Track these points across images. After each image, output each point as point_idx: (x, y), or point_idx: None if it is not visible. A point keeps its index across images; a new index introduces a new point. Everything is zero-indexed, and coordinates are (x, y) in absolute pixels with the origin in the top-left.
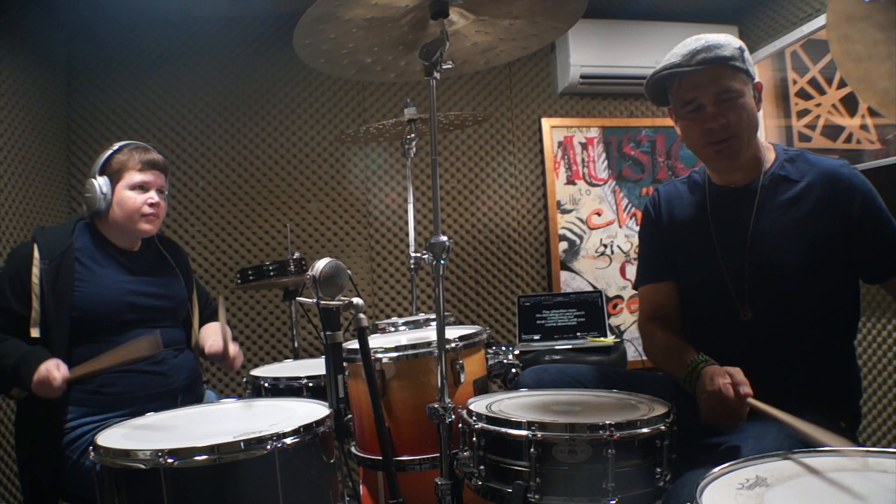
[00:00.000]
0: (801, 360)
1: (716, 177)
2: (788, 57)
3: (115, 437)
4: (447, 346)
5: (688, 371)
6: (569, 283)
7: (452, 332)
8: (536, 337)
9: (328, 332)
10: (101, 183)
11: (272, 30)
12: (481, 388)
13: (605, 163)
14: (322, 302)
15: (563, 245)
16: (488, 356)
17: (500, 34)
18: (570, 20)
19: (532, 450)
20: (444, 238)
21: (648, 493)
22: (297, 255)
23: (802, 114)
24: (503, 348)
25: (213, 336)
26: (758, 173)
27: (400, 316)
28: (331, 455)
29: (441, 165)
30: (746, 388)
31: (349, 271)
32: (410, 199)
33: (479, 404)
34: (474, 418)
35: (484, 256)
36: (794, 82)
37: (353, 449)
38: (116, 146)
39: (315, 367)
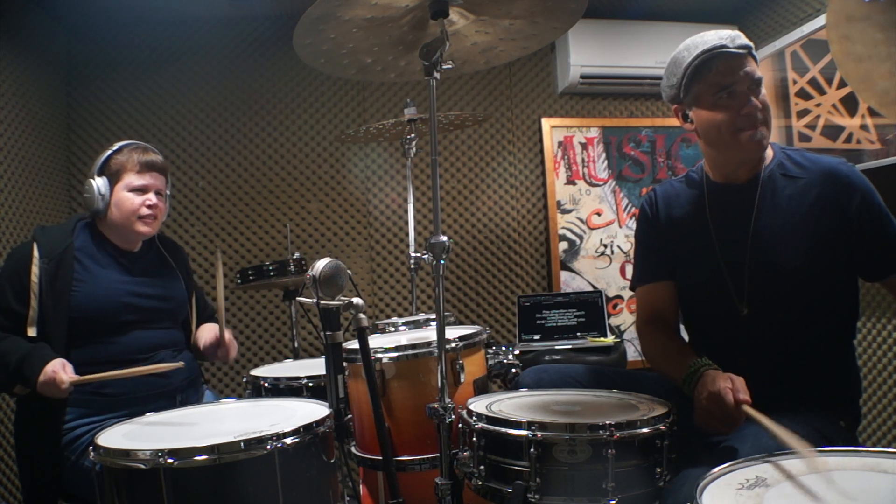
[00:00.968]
0: (799, 358)
1: (716, 174)
2: (788, 57)
3: (114, 437)
4: (447, 346)
5: (689, 373)
6: (569, 283)
7: (452, 332)
8: (536, 337)
9: (328, 332)
10: (99, 184)
11: (272, 30)
12: (481, 388)
13: (605, 163)
14: (322, 302)
15: (563, 245)
16: (488, 356)
17: (500, 34)
18: (570, 20)
19: (532, 450)
20: (444, 238)
21: (648, 493)
22: (297, 255)
23: (802, 114)
24: (503, 348)
25: (208, 333)
26: (758, 170)
27: (400, 316)
28: (331, 455)
29: (441, 165)
30: (745, 396)
31: (349, 271)
32: (410, 199)
33: (478, 404)
34: (474, 418)
35: (484, 256)
36: (794, 82)
37: (353, 449)
38: (116, 146)
39: (315, 367)
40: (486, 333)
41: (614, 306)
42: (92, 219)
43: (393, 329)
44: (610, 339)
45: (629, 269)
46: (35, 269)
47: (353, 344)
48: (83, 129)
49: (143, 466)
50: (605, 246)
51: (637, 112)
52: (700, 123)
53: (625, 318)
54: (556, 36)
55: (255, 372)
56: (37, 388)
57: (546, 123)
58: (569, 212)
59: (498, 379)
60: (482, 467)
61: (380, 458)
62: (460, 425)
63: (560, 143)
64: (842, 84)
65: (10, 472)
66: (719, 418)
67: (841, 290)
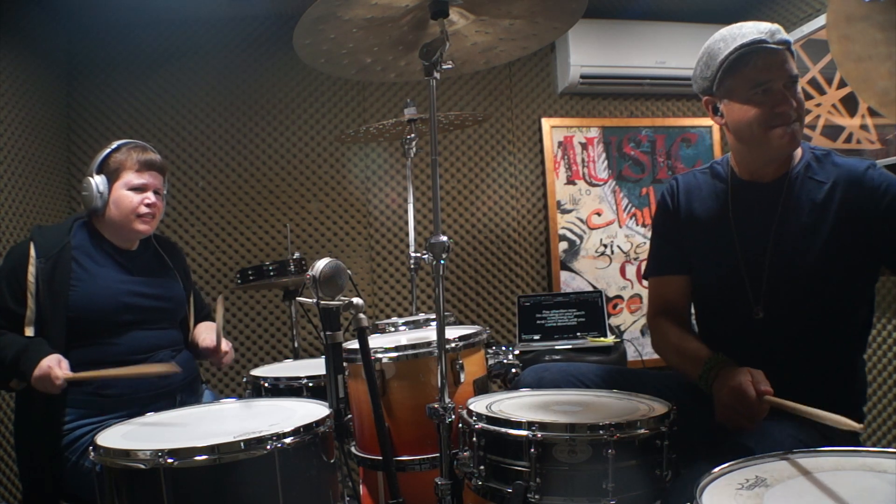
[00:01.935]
0: (809, 365)
1: (742, 170)
2: None
3: (114, 437)
4: (447, 346)
5: (705, 369)
6: (569, 283)
7: (452, 332)
8: (536, 337)
9: (328, 332)
10: (97, 181)
11: (272, 30)
12: (481, 388)
13: (605, 163)
14: (322, 302)
15: (563, 245)
16: (488, 356)
17: (500, 34)
18: (570, 20)
19: (532, 450)
20: (444, 238)
21: (648, 494)
22: (297, 255)
23: None
24: (503, 348)
25: (206, 332)
26: (786, 170)
27: (400, 316)
28: (331, 455)
29: (441, 165)
30: (766, 387)
31: (349, 271)
32: (410, 199)
33: (479, 404)
34: (474, 418)
35: (484, 256)
36: None
37: (353, 449)
38: (115, 144)
39: (315, 367)
40: (486, 333)
41: (614, 306)
42: (89, 218)
43: (393, 329)
44: (610, 339)
45: (629, 269)
46: (32, 269)
47: (353, 344)
48: (83, 129)
49: (143, 466)
50: (605, 246)
51: (637, 112)
52: (731, 117)
53: (625, 318)
54: (556, 36)
55: (255, 372)
56: (31, 382)
57: (546, 123)
58: (569, 212)
59: (498, 379)
60: (482, 467)
61: (380, 458)
62: (460, 425)
63: (560, 143)
64: (842, 84)
65: (10, 472)
66: (742, 413)
67: (857, 299)
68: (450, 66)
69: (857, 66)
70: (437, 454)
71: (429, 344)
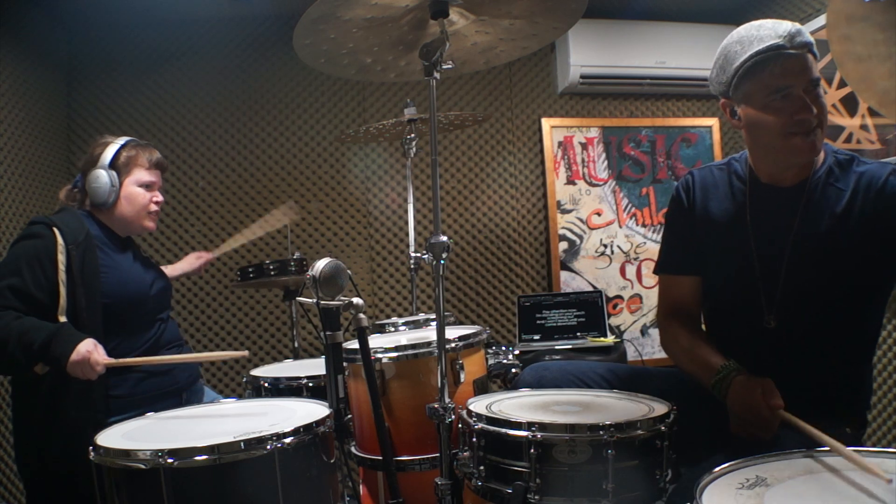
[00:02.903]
0: (819, 371)
1: (761, 172)
2: None
3: (115, 437)
4: (447, 346)
5: (717, 378)
6: (569, 283)
7: (452, 332)
8: (536, 337)
9: (328, 332)
10: (111, 176)
11: (272, 30)
12: (481, 388)
13: (605, 163)
14: (322, 302)
15: (563, 245)
16: (488, 356)
17: (500, 34)
18: (570, 20)
19: (532, 450)
20: (444, 238)
21: (648, 494)
22: (297, 254)
23: None
24: (503, 348)
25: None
26: (807, 175)
27: (400, 316)
28: (331, 455)
29: (441, 165)
30: (778, 401)
31: (349, 271)
32: (410, 199)
33: (478, 404)
34: (474, 419)
35: (484, 256)
36: None
37: (353, 449)
38: (123, 141)
39: (315, 367)
40: (486, 333)
41: (614, 306)
42: (89, 210)
43: (393, 329)
44: (610, 339)
45: (629, 269)
46: (61, 257)
47: (353, 344)
48: (83, 129)
49: (143, 466)
50: (605, 246)
51: (637, 112)
52: (749, 122)
53: (625, 318)
54: (556, 36)
55: (255, 372)
56: (66, 366)
57: (546, 123)
58: (569, 212)
59: (498, 379)
60: (482, 468)
61: (380, 458)
62: (460, 426)
63: (560, 143)
64: (842, 84)
65: (10, 473)
66: (756, 426)
67: (872, 310)
68: (450, 66)
69: (857, 66)
70: (437, 454)
71: (429, 344)
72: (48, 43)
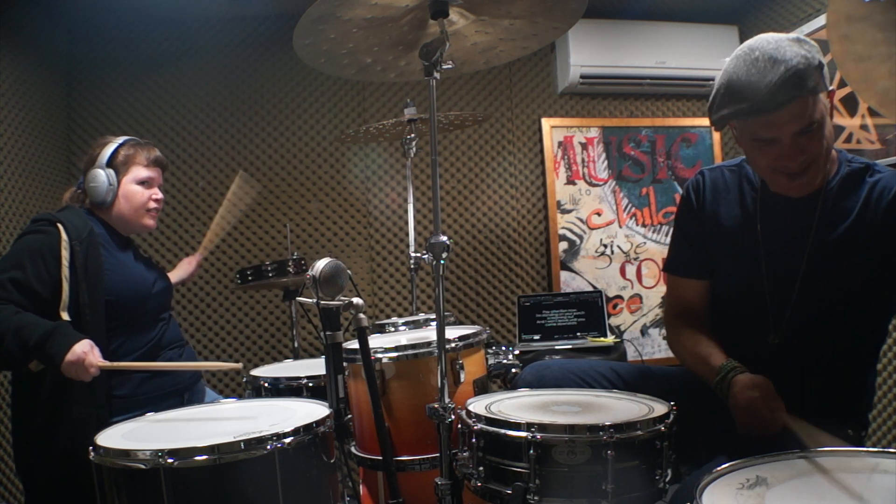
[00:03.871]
0: (823, 380)
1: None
2: None
3: (114, 437)
4: (447, 346)
5: (718, 378)
6: (569, 283)
7: (452, 332)
8: (536, 337)
9: (328, 332)
10: (109, 174)
11: (272, 30)
12: (481, 388)
13: (605, 163)
14: (322, 302)
15: (563, 245)
16: (488, 356)
17: (500, 34)
18: (570, 20)
19: (531, 451)
20: (444, 238)
21: (648, 495)
22: (296, 255)
23: None
24: (503, 348)
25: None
26: (820, 185)
27: (400, 316)
28: (331, 455)
29: (441, 165)
30: (776, 403)
31: (349, 271)
32: (410, 199)
33: (478, 405)
34: (473, 419)
35: (484, 256)
36: None
37: (353, 449)
38: (121, 140)
39: (315, 367)
40: (486, 333)
41: (614, 306)
42: (89, 208)
43: (393, 329)
44: (610, 339)
45: (629, 269)
46: (65, 253)
47: (353, 344)
48: (83, 129)
49: (143, 466)
50: (605, 246)
51: (637, 112)
52: (742, 149)
53: (625, 318)
54: (556, 36)
55: (255, 372)
56: (61, 366)
57: (546, 123)
58: (569, 212)
59: (498, 379)
60: (481, 468)
61: (380, 458)
62: (459, 426)
63: (560, 143)
64: (842, 84)
65: (10, 473)
66: (759, 426)
67: (881, 323)
68: (450, 66)
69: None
70: (437, 454)
71: (429, 344)
72: (48, 43)
